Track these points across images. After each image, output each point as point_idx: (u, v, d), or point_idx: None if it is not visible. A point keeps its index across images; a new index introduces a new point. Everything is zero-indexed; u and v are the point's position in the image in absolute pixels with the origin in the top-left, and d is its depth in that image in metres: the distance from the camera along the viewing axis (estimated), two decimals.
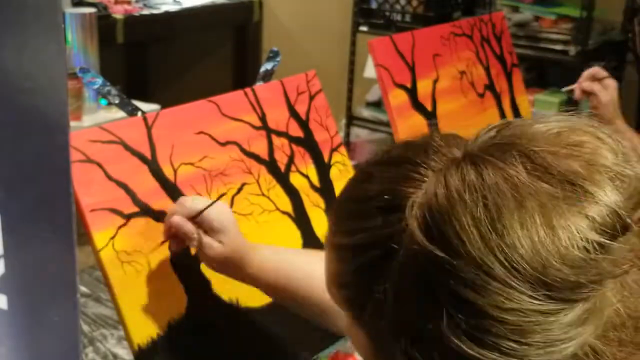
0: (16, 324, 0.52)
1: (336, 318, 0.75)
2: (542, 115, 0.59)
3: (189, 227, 0.93)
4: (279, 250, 1.02)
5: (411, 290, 0.55)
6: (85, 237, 0.81)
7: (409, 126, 1.50)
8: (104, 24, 2.90)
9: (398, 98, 1.48)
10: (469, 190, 0.53)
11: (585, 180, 0.52)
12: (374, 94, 3.51)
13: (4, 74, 0.47)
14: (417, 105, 1.52)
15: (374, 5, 3.33)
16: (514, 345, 0.51)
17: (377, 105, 3.44)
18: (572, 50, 2.91)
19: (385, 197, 0.58)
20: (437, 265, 0.52)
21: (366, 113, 3.53)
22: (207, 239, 0.94)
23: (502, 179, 0.53)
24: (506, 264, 0.51)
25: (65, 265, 0.51)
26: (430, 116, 1.55)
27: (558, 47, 2.95)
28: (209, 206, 0.94)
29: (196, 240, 0.94)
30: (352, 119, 3.56)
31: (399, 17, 3.26)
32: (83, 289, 1.48)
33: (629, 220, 0.52)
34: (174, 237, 0.96)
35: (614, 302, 0.54)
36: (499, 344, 0.51)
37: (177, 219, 0.94)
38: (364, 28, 3.37)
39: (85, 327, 1.35)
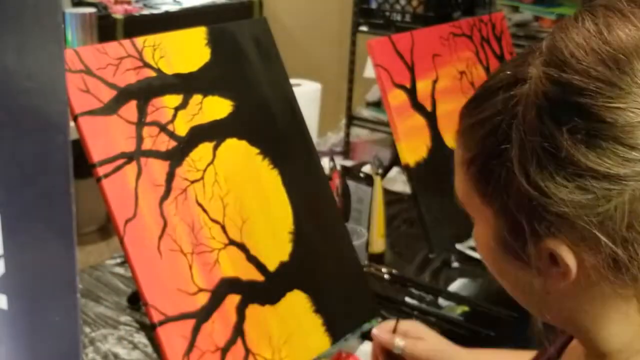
0: (16, 324, 0.52)
1: None
2: None
3: (387, 335, 1.12)
4: (488, 352, 1.12)
5: (535, 121, 0.59)
6: (85, 237, 0.81)
7: (409, 126, 1.50)
8: (104, 24, 2.90)
9: (397, 98, 1.48)
10: (586, 28, 0.60)
11: None
12: (374, 94, 3.51)
13: (4, 74, 0.47)
14: (417, 106, 1.52)
15: (373, 5, 3.33)
16: (628, 151, 0.56)
17: (377, 105, 3.44)
18: None
19: (507, 74, 0.64)
20: (560, 86, 0.58)
21: (366, 113, 3.53)
22: (409, 341, 1.10)
23: (611, 12, 0.60)
24: (616, 71, 0.57)
25: (65, 265, 0.51)
26: (430, 116, 1.55)
27: None
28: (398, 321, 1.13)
29: (401, 343, 1.10)
30: (352, 119, 3.56)
31: (398, 17, 3.25)
32: (83, 289, 1.48)
33: None
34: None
35: None
36: (613, 149, 0.56)
37: (375, 331, 1.13)
38: (363, 28, 3.37)
39: (85, 327, 1.35)
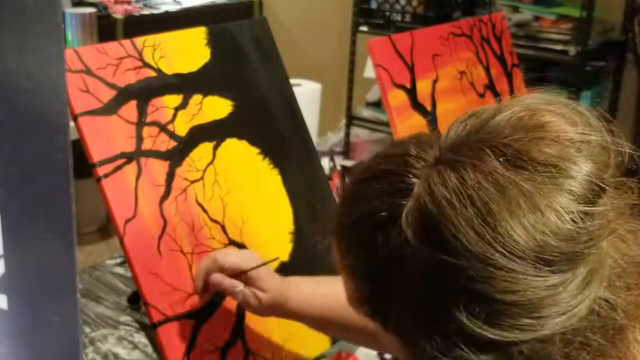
0: (16, 324, 0.52)
1: None
2: (503, 102, 0.62)
3: (230, 282, 0.98)
4: (319, 281, 1.04)
5: (425, 295, 0.58)
6: (85, 237, 0.81)
7: (409, 126, 1.50)
8: (104, 24, 2.90)
9: (397, 98, 1.48)
10: (455, 194, 0.56)
11: (557, 158, 0.56)
12: (374, 94, 3.51)
13: (4, 74, 0.47)
14: (417, 106, 1.52)
15: (374, 5, 3.33)
16: (532, 322, 0.55)
17: (377, 105, 3.44)
18: (572, 50, 2.91)
19: (380, 214, 0.60)
20: (442, 267, 0.56)
21: (366, 113, 3.53)
22: (249, 291, 0.98)
23: (482, 177, 0.56)
24: (505, 252, 0.54)
25: (65, 265, 0.51)
26: (430, 116, 1.55)
27: (558, 47, 2.95)
28: (256, 267, 0.97)
29: (240, 295, 0.98)
30: (352, 119, 3.56)
31: (398, 17, 3.25)
32: (83, 289, 1.48)
33: (603, 184, 0.56)
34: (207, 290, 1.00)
35: (613, 255, 0.58)
36: (517, 324, 0.55)
37: (217, 277, 0.98)
38: (364, 28, 3.37)
39: (85, 327, 1.35)
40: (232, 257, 0.99)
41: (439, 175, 0.58)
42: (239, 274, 0.98)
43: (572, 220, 0.55)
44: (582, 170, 0.56)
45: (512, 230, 0.54)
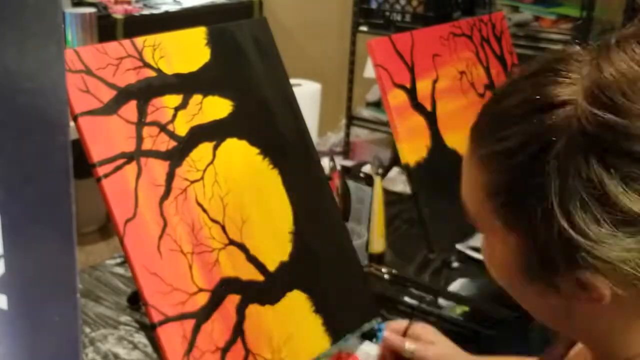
0: (16, 324, 0.52)
1: None
2: None
3: (400, 339, 1.12)
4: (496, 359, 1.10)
5: (579, 161, 0.56)
6: (85, 237, 0.81)
7: (409, 126, 1.50)
8: (104, 24, 2.90)
9: (397, 98, 1.48)
10: (635, 59, 0.57)
11: None
12: (374, 94, 3.51)
13: (4, 74, 0.47)
14: (417, 106, 1.52)
15: (374, 5, 3.33)
16: None
17: (377, 105, 3.44)
18: None
19: (536, 98, 0.60)
20: (608, 128, 0.55)
21: (366, 113, 3.53)
22: (419, 344, 1.10)
23: None
24: None
25: (65, 265, 0.51)
26: (430, 116, 1.55)
27: (558, 47, 2.95)
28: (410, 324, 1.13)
29: (410, 347, 1.10)
30: (352, 119, 3.56)
31: (398, 17, 3.25)
32: (83, 289, 1.48)
33: None
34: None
35: None
36: None
37: (388, 334, 1.13)
38: (364, 28, 3.37)
39: (85, 327, 1.35)
40: (402, 322, 1.16)
41: (618, 47, 0.58)
42: (404, 331, 1.13)
43: None
44: None
45: None
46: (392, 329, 1.14)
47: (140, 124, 1.04)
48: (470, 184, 0.66)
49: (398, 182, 1.95)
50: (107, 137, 1.00)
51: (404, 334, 1.12)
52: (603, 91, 0.56)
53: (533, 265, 0.62)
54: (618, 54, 0.58)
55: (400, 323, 1.14)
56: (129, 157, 1.01)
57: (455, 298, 1.46)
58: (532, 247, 0.61)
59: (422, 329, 1.13)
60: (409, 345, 1.10)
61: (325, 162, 1.54)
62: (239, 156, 1.15)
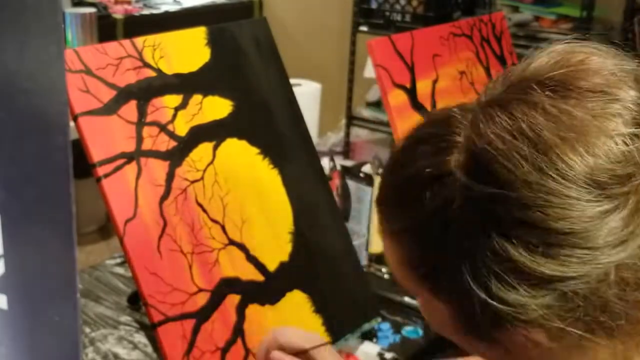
0: (16, 324, 0.52)
1: None
2: (532, 54, 0.64)
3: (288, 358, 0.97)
4: None
5: (479, 236, 0.57)
6: (85, 237, 0.81)
7: (409, 126, 1.49)
8: (104, 24, 2.90)
9: (397, 98, 1.48)
10: (504, 129, 0.57)
11: (603, 85, 0.58)
12: (374, 94, 3.51)
13: (4, 74, 0.47)
14: (417, 106, 1.52)
15: (374, 5, 3.33)
16: (586, 252, 0.55)
17: (377, 105, 3.44)
18: None
19: (426, 170, 0.61)
20: (497, 202, 0.56)
21: (366, 113, 3.53)
22: None
23: (531, 109, 0.57)
24: (560, 178, 0.55)
25: (65, 265, 0.51)
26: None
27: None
28: (317, 346, 0.96)
29: None
30: (352, 119, 3.56)
31: (398, 17, 3.25)
32: (83, 289, 1.48)
33: None
34: None
35: None
36: (572, 255, 0.56)
37: (277, 355, 0.97)
38: (364, 28, 3.37)
39: (85, 327, 1.35)
40: (292, 337, 0.99)
41: (486, 116, 0.59)
42: (301, 353, 0.98)
43: (624, 142, 0.56)
44: (628, 94, 0.58)
45: (565, 156, 0.55)
46: (280, 347, 0.99)
47: (140, 124, 1.04)
48: (390, 256, 0.68)
49: None
50: (107, 137, 1.00)
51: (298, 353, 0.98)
52: (484, 166, 0.57)
53: (466, 327, 0.63)
54: (487, 125, 0.58)
55: (292, 342, 0.98)
56: (129, 157, 1.01)
57: None
58: (459, 313, 0.63)
59: (324, 354, 0.98)
60: None
61: (325, 162, 1.54)
62: (239, 156, 1.15)
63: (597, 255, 0.56)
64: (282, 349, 0.98)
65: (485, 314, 0.59)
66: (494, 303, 0.58)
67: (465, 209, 0.58)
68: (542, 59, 0.62)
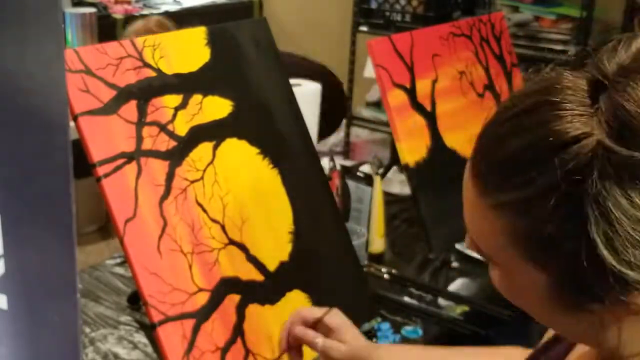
0: (16, 324, 0.52)
1: None
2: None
3: (311, 333, 1.03)
4: (406, 348, 1.08)
5: (618, 199, 0.57)
6: (85, 237, 0.81)
7: (409, 126, 1.50)
8: (104, 24, 2.90)
9: (397, 98, 1.48)
10: None
11: None
12: (374, 94, 3.51)
13: (4, 74, 0.47)
14: (416, 105, 1.52)
15: (374, 5, 3.33)
16: None
17: (377, 105, 3.44)
18: (572, 50, 2.90)
19: (545, 136, 0.59)
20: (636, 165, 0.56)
21: (366, 113, 3.53)
22: (330, 341, 1.02)
23: None
24: None
25: (65, 265, 0.51)
26: (430, 116, 1.55)
27: (558, 47, 2.95)
28: (326, 313, 1.03)
29: (320, 344, 1.02)
30: (352, 119, 3.56)
31: (398, 17, 3.25)
32: (83, 289, 1.48)
33: None
34: (294, 347, 1.05)
35: None
36: None
37: (299, 329, 1.03)
38: (364, 28, 3.37)
39: (85, 327, 1.35)
40: (316, 311, 1.05)
41: (633, 82, 0.58)
42: (318, 325, 1.04)
43: None
44: None
45: None
46: (303, 319, 1.04)
47: (140, 123, 1.04)
48: (484, 228, 0.66)
49: (395, 183, 1.95)
50: (107, 137, 1.00)
51: (315, 323, 1.04)
52: (630, 128, 0.57)
53: (568, 297, 0.62)
54: (634, 90, 0.58)
55: (313, 312, 1.05)
56: (129, 157, 1.01)
57: (455, 298, 1.46)
58: (563, 283, 0.62)
59: (336, 321, 1.04)
60: (319, 341, 1.03)
61: (325, 162, 1.54)
62: (239, 156, 1.15)
63: None
64: (305, 324, 1.04)
65: (604, 284, 0.58)
66: (622, 268, 0.57)
67: (604, 173, 0.57)
68: None
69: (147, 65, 1.07)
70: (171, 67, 1.10)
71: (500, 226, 0.64)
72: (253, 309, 1.10)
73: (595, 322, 0.63)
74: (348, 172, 1.65)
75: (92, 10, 2.65)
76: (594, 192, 0.57)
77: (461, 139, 1.59)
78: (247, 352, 1.08)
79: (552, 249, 0.61)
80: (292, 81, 1.29)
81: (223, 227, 1.10)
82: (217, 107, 1.14)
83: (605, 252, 0.57)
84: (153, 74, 1.07)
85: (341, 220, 1.32)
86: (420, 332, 1.36)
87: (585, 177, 0.57)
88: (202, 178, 1.09)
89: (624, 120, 0.57)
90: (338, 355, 1.02)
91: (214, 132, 1.12)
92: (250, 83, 1.20)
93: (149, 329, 1.23)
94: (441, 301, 1.46)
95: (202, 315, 1.04)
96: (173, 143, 1.07)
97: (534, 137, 0.60)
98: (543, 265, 0.62)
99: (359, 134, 3.67)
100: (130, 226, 0.99)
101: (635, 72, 0.59)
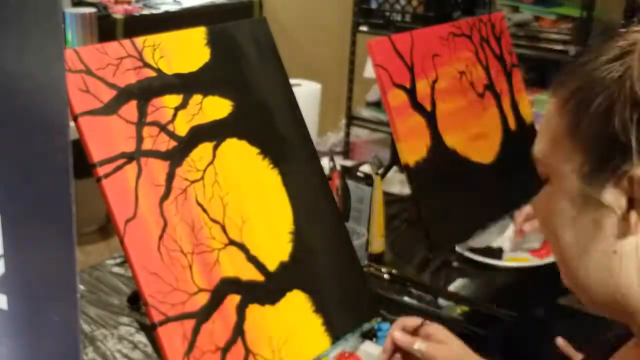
0: (16, 324, 0.52)
1: None
2: None
3: (409, 337, 1.11)
4: None
5: None
6: (85, 237, 0.81)
7: (409, 126, 1.50)
8: (104, 24, 2.90)
9: (397, 98, 1.48)
10: None
11: None
12: (374, 94, 3.51)
13: (4, 74, 0.47)
14: (416, 106, 1.52)
15: (374, 5, 3.33)
16: None
17: (377, 105, 3.44)
18: (572, 50, 2.90)
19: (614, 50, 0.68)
20: None
21: (366, 113, 3.53)
22: (429, 344, 1.09)
23: None
24: None
25: (65, 265, 0.51)
26: (430, 116, 1.55)
27: (558, 47, 2.95)
28: (424, 322, 1.12)
29: (417, 347, 1.09)
30: (352, 119, 3.56)
31: (398, 17, 3.26)
32: (83, 289, 1.48)
33: None
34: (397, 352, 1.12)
35: None
36: None
37: (397, 334, 1.11)
38: (363, 28, 3.37)
39: (85, 327, 1.35)
40: (415, 320, 1.14)
41: None
42: (417, 330, 1.12)
43: None
44: None
45: None
46: (402, 326, 1.13)
47: (140, 124, 1.04)
48: (549, 130, 0.72)
49: (395, 183, 1.95)
50: (107, 137, 1.00)
51: (415, 332, 1.12)
52: None
53: (587, 174, 0.67)
54: None
55: (412, 320, 1.13)
56: (129, 157, 1.01)
57: (455, 298, 1.46)
58: (592, 146, 0.67)
59: (433, 328, 1.11)
60: (419, 344, 1.09)
61: (325, 162, 1.54)
62: (239, 156, 1.15)
63: None
64: (404, 330, 1.12)
65: (626, 135, 0.64)
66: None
67: None
68: None
69: (147, 65, 1.07)
70: (171, 67, 1.10)
71: (564, 122, 0.70)
72: (253, 309, 1.10)
73: (595, 245, 0.68)
74: (348, 172, 1.65)
75: (92, 10, 2.65)
76: None
77: (461, 139, 1.59)
78: (248, 352, 1.08)
79: (591, 108, 0.67)
80: (292, 81, 1.29)
81: (223, 227, 1.10)
82: (217, 107, 1.14)
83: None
84: (153, 74, 1.07)
85: (341, 220, 1.32)
86: None
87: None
88: (202, 178, 1.09)
89: None
90: (442, 357, 1.07)
91: (214, 132, 1.12)
92: (250, 83, 1.20)
93: (149, 329, 1.23)
94: (441, 301, 1.46)
95: (203, 315, 1.04)
96: (173, 143, 1.07)
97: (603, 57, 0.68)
98: (580, 134, 0.68)
99: (359, 134, 3.67)
100: (130, 226, 0.99)
101: None
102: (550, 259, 1.53)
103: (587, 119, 0.67)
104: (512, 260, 1.59)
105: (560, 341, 1.17)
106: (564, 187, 0.70)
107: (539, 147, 0.74)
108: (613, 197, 0.66)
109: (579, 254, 0.70)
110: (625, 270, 0.67)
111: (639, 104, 0.64)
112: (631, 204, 0.66)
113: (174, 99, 1.09)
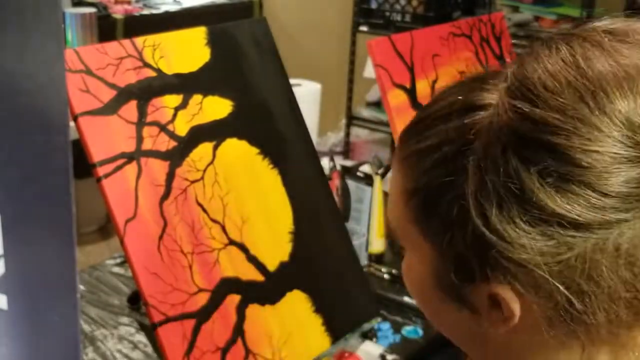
0: (16, 324, 0.52)
1: None
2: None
3: None
4: None
5: (497, 159, 0.55)
6: (85, 237, 0.82)
7: None
8: (104, 24, 2.90)
9: (397, 98, 1.48)
10: (559, 57, 0.57)
11: None
12: (374, 94, 3.51)
13: (4, 74, 0.47)
14: (417, 106, 1.52)
15: (374, 5, 3.33)
16: (597, 197, 0.52)
17: (377, 105, 3.44)
18: None
19: (459, 100, 0.60)
20: (526, 121, 0.54)
21: (366, 113, 3.53)
22: None
23: (591, 44, 0.58)
24: (595, 108, 0.53)
25: (65, 265, 0.51)
26: None
27: None
28: None
29: None
30: (352, 119, 3.56)
31: (398, 17, 3.26)
32: (83, 289, 1.48)
33: None
34: None
35: None
36: (581, 195, 0.53)
37: None
38: (363, 28, 3.37)
39: (85, 327, 1.35)
40: None
41: (547, 47, 0.59)
42: None
43: None
44: None
45: (609, 88, 0.54)
46: None
47: (140, 124, 1.04)
48: (393, 191, 0.65)
49: None
50: (107, 137, 1.00)
51: None
52: (524, 84, 0.56)
53: (444, 276, 0.60)
54: (542, 51, 0.58)
55: None
56: (129, 157, 1.01)
57: None
58: (445, 254, 0.59)
59: None
60: None
61: (325, 162, 1.54)
62: (239, 156, 1.15)
63: (605, 203, 0.52)
64: None
65: (472, 251, 0.56)
66: (487, 232, 0.55)
67: (492, 131, 0.56)
68: (597, 24, 0.64)
69: (147, 65, 1.07)
70: (171, 67, 1.10)
71: (401, 184, 0.63)
72: (253, 309, 1.10)
73: (475, 330, 0.61)
74: (348, 172, 1.65)
75: (92, 10, 2.65)
76: (478, 152, 0.56)
77: None
78: (248, 352, 1.08)
79: (432, 210, 0.59)
80: (292, 81, 1.29)
81: (223, 227, 1.10)
82: (217, 107, 1.14)
83: (475, 216, 0.55)
84: (153, 74, 1.07)
85: (341, 220, 1.32)
86: (420, 332, 1.36)
87: (474, 139, 0.56)
88: (202, 178, 1.09)
89: (523, 80, 0.56)
90: None
91: (214, 132, 1.12)
92: (250, 83, 1.20)
93: (149, 329, 1.23)
94: None
95: (203, 315, 1.04)
96: (173, 143, 1.07)
97: (450, 101, 0.61)
98: (426, 233, 0.61)
99: (359, 134, 3.67)
100: (130, 226, 0.99)
101: (554, 38, 0.60)
102: None
103: (435, 223, 0.59)
104: None
105: None
106: (427, 272, 0.62)
107: (391, 219, 0.66)
108: (477, 300, 0.59)
109: (461, 337, 0.65)
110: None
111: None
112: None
113: (174, 99, 1.09)
